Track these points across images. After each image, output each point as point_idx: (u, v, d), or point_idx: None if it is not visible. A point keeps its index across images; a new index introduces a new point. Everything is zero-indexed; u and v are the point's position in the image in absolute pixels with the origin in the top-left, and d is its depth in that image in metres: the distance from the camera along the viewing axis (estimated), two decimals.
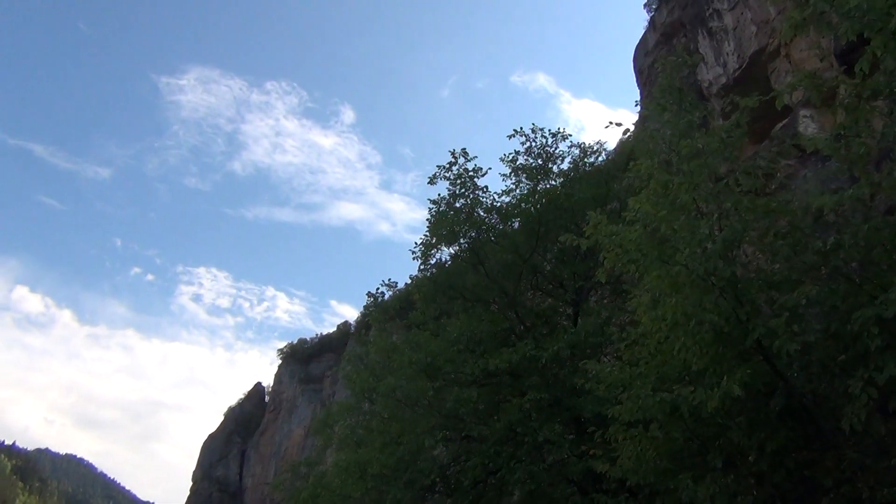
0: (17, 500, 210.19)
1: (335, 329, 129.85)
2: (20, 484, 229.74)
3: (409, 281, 21.23)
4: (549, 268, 18.67)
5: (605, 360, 13.66)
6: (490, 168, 17.78)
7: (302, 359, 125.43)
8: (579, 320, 16.71)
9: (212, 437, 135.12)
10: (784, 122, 20.58)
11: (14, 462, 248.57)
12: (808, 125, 19.21)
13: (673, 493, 9.21)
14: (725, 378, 7.93)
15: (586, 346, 14.66)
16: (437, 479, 15.70)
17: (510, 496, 16.41)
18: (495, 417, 14.98)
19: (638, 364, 9.69)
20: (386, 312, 22.24)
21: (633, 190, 11.18)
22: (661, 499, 9.95)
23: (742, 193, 9.31)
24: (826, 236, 8.59)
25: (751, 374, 8.09)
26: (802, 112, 19.64)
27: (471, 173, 17.45)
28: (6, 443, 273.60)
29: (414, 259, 18.30)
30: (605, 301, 18.19)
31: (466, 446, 15.62)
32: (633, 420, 9.49)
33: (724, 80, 27.10)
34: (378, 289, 20.35)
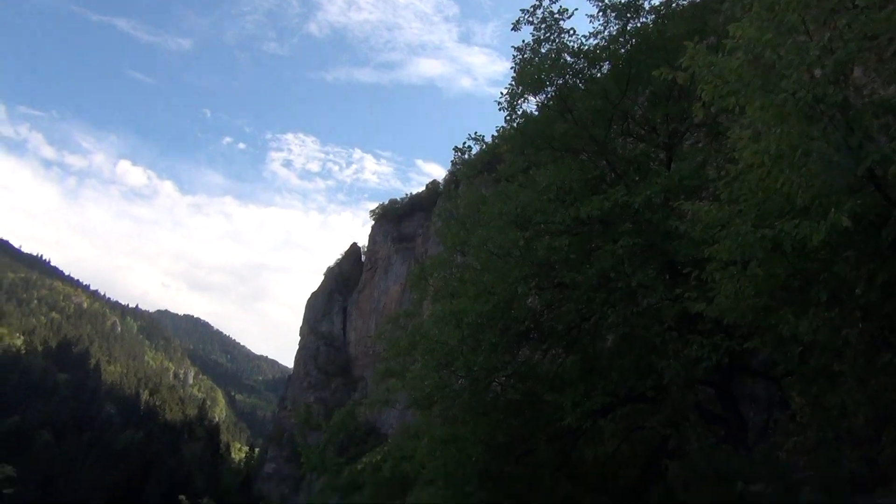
0: (146, 357, 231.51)
1: (424, 189, 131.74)
2: (146, 342, 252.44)
3: (495, 134, 20.71)
4: (640, 112, 17.82)
5: (701, 203, 13.23)
6: (577, 9, 16.75)
7: (394, 219, 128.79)
8: (673, 164, 16.13)
9: (314, 296, 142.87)
10: None
11: (139, 323, 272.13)
12: None
13: (773, 330, 9.08)
14: (833, 210, 7.53)
15: (681, 189, 14.18)
16: (532, 326, 16.03)
17: (604, 340, 16.69)
18: (587, 265, 14.90)
19: (737, 201, 9.28)
20: (473, 167, 22.11)
21: (732, 19, 10.33)
22: (761, 335, 9.85)
23: (858, 10, 8.44)
24: None
25: (861, 204, 7.64)
26: None
27: (556, 16, 16.49)
28: (130, 305, 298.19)
29: (500, 111, 17.77)
30: (701, 144, 17.41)
31: (559, 294, 15.72)
32: (732, 259, 9.26)
33: None
34: (465, 143, 19.90)
